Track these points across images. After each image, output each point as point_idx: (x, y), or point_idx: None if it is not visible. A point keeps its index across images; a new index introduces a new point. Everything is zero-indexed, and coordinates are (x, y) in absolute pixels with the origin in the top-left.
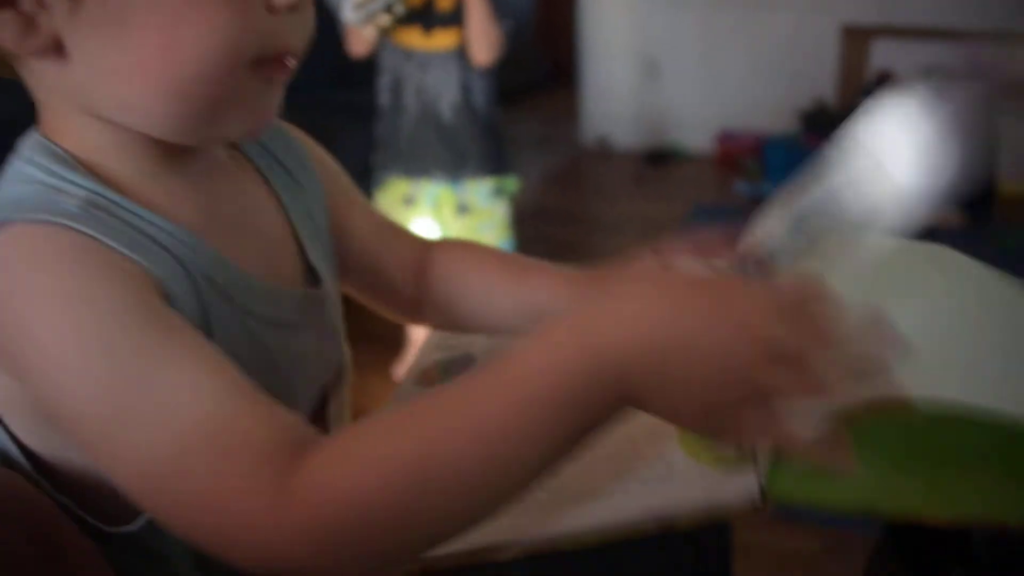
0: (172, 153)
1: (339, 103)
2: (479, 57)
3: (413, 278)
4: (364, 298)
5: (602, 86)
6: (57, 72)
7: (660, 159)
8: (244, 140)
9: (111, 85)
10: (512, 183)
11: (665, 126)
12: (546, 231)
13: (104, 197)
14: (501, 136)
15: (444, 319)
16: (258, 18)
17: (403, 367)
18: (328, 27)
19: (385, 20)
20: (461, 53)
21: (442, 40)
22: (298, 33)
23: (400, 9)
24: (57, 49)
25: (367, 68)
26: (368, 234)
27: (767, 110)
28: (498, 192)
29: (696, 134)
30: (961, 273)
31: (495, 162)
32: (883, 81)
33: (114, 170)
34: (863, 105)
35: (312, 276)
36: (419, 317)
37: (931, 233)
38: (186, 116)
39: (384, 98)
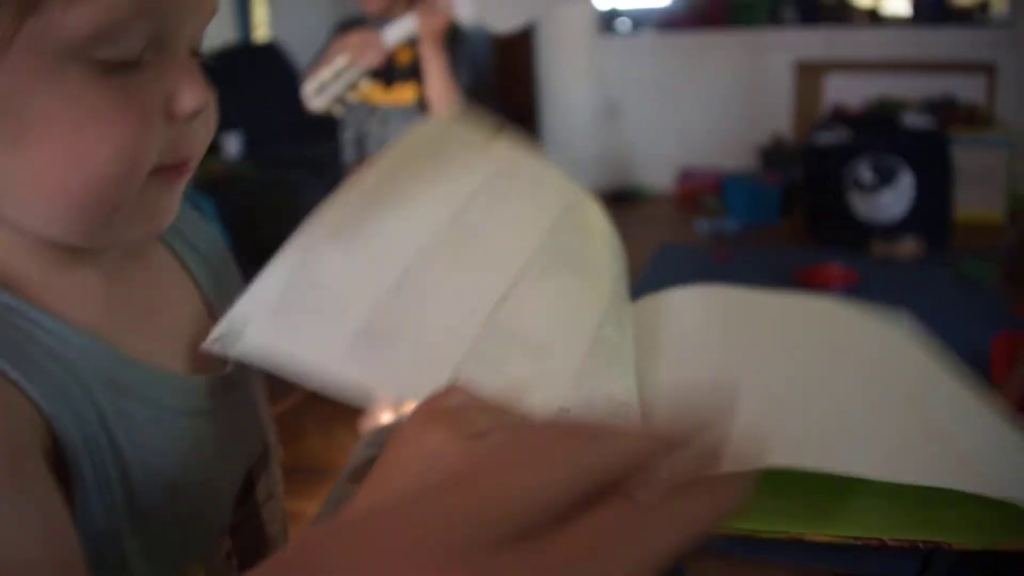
0: (76, 251)
1: (302, 158)
2: (438, 111)
3: None
4: None
5: (563, 129)
6: None
7: (623, 199)
8: (144, 240)
9: (8, 190)
10: None
11: (626, 167)
12: None
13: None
14: None
15: None
16: (159, 129)
17: (369, 420)
18: (290, 83)
19: (350, 97)
20: (422, 106)
21: (402, 94)
22: (200, 138)
23: (364, 82)
24: None
25: (330, 123)
26: None
27: (726, 147)
28: None
29: (657, 174)
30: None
31: None
32: (837, 114)
33: (12, 268)
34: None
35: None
36: None
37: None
38: (84, 224)
39: (348, 153)
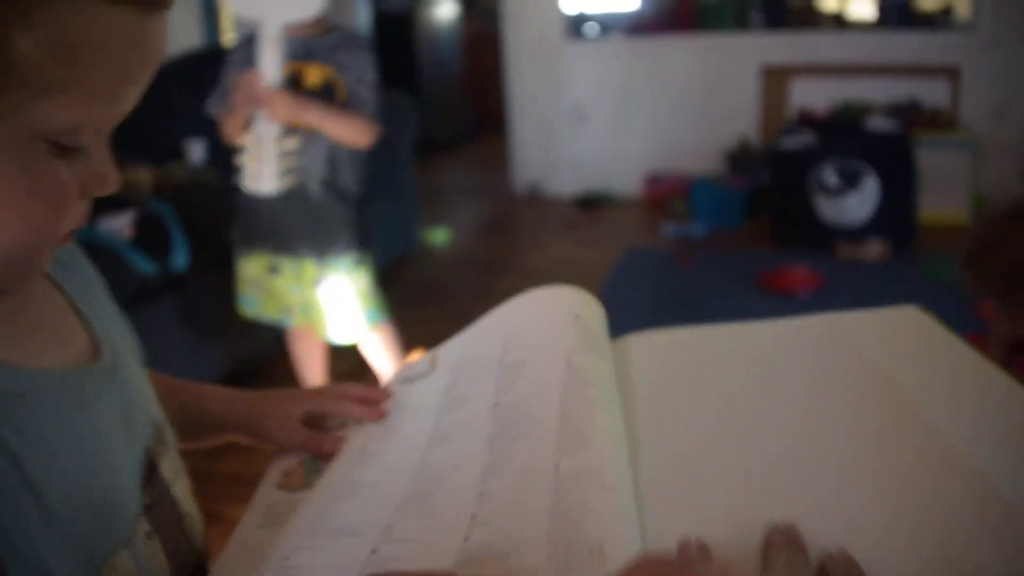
0: None
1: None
2: (352, 145)
3: None
4: None
5: (531, 134)
6: None
7: (590, 204)
8: (17, 290)
9: None
10: (360, 254)
11: (594, 172)
12: (481, 279)
13: None
14: (364, 212)
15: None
16: (72, 206)
17: (279, 461)
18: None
19: (291, 161)
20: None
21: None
22: (86, 212)
23: (290, 144)
24: None
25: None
26: None
27: (693, 152)
28: (357, 265)
29: (624, 178)
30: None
31: (359, 238)
32: (803, 118)
33: None
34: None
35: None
36: None
37: (856, 264)
38: None
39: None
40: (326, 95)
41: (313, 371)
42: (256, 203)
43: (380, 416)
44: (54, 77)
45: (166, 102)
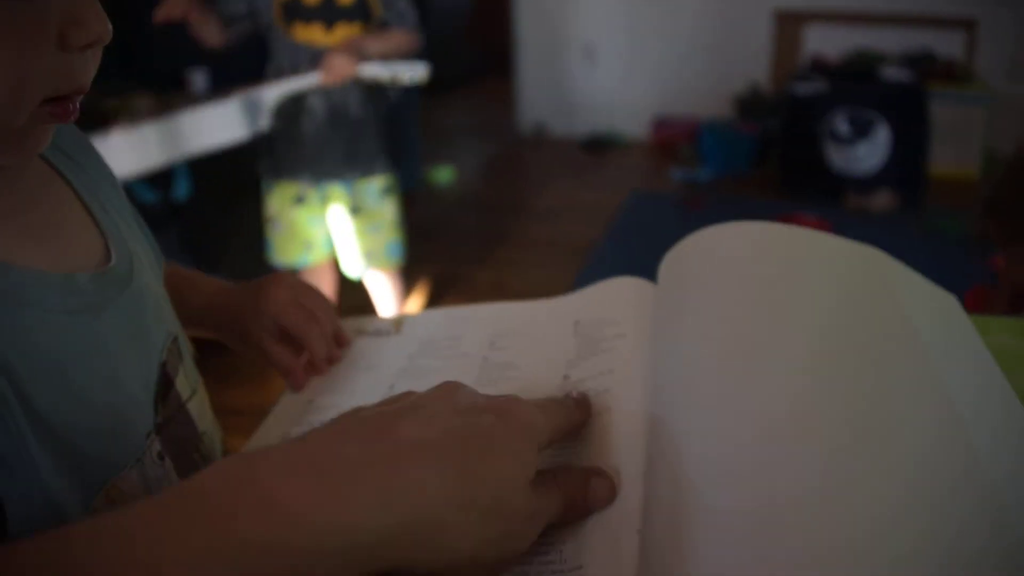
0: None
1: None
2: (400, 59)
3: None
4: None
5: (538, 74)
6: None
7: (596, 146)
8: (14, 165)
9: None
10: (391, 180)
11: (601, 113)
12: (484, 219)
13: None
14: (395, 134)
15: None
16: (49, 58)
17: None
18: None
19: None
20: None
21: (344, 35)
22: (89, 70)
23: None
24: None
25: (254, 65)
26: None
27: (702, 96)
28: (386, 192)
29: (632, 121)
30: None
31: (387, 159)
32: (816, 65)
33: None
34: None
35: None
36: None
37: (864, 215)
38: None
39: (281, 101)
40: (360, 11)
41: None
42: (295, 128)
43: (324, 373)
44: None
45: (167, 30)
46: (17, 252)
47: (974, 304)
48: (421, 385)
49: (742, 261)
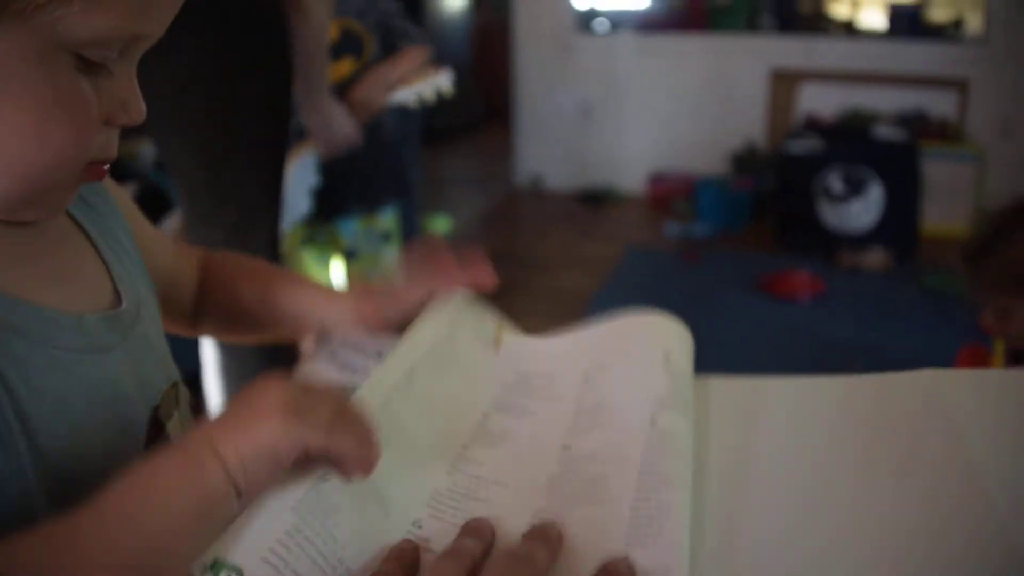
0: None
1: None
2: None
3: (195, 289)
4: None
5: (537, 127)
6: None
7: (593, 200)
8: (41, 220)
9: None
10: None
11: (599, 168)
12: None
13: None
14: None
15: (218, 326)
16: (94, 129)
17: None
18: None
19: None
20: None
21: (339, 71)
22: (115, 147)
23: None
24: None
25: None
26: (163, 252)
27: (698, 152)
28: (386, 238)
29: (628, 175)
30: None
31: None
32: (810, 123)
33: None
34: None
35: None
36: (196, 326)
37: (857, 272)
38: (12, 196)
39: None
40: (349, 46)
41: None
42: (341, 164)
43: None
44: None
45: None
46: (32, 291)
47: (967, 363)
48: (515, 424)
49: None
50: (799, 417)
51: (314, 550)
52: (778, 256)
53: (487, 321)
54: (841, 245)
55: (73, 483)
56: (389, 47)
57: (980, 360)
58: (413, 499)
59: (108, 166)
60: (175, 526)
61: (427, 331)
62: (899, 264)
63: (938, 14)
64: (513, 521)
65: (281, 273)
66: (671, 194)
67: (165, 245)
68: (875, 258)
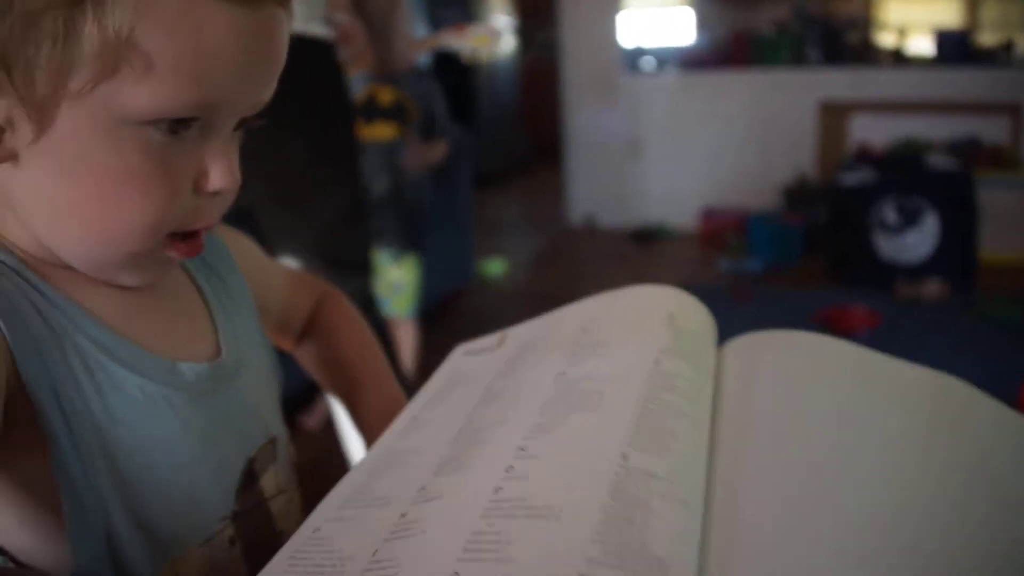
0: None
1: None
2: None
3: (306, 318)
4: (271, 335)
5: (587, 167)
6: (7, 174)
7: (646, 237)
8: (140, 285)
9: (44, 210)
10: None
11: (650, 205)
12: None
13: (11, 268)
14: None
15: (314, 360)
16: (185, 198)
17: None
18: None
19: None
20: (399, 143)
21: (381, 131)
22: (216, 210)
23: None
24: (13, 157)
25: None
26: (283, 286)
27: (749, 187)
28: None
29: (680, 212)
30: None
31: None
32: (862, 154)
33: (35, 258)
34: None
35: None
36: (297, 350)
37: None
38: (96, 263)
39: None
40: (397, 113)
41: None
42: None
43: None
44: (131, 61)
45: None
46: (132, 330)
47: None
48: (516, 379)
49: (820, 376)
50: (828, 379)
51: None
52: (833, 290)
53: (483, 342)
54: (897, 277)
55: (156, 522)
56: (425, 129)
57: None
58: (408, 488)
59: (203, 236)
60: None
61: (433, 382)
62: (957, 294)
63: (986, 38)
64: (504, 436)
65: (365, 341)
66: (723, 229)
67: (285, 279)
68: (932, 289)
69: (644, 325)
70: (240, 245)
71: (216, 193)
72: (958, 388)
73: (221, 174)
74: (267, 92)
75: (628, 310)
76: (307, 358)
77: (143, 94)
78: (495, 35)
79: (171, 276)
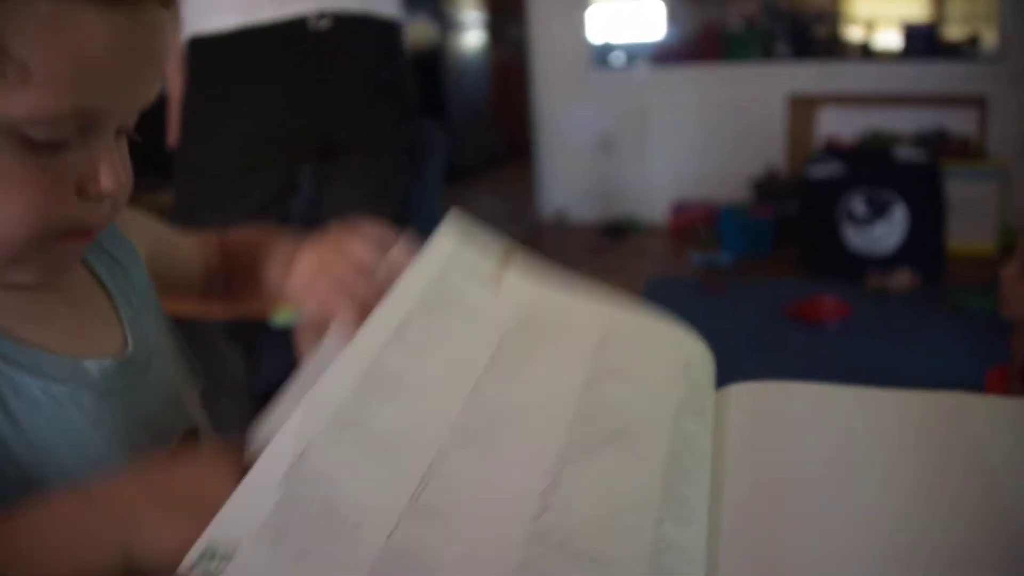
0: None
1: None
2: None
3: (209, 267)
4: (173, 300)
5: (557, 161)
6: None
7: (617, 231)
8: (36, 285)
9: None
10: None
11: (620, 199)
12: None
13: None
14: None
15: (231, 298)
16: (70, 203)
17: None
18: None
19: None
20: None
21: None
22: (106, 213)
23: None
24: None
25: None
26: (191, 246)
27: (719, 180)
28: None
29: (651, 206)
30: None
31: None
32: (830, 147)
33: None
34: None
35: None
36: (207, 305)
37: (885, 294)
38: None
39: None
40: None
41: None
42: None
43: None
44: (4, 71)
45: None
46: (32, 333)
47: (997, 384)
48: (537, 365)
49: (816, 426)
50: (821, 424)
51: (312, 516)
52: (803, 282)
53: (487, 254)
54: (867, 268)
55: None
56: None
57: (1010, 380)
58: (422, 449)
59: (91, 235)
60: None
61: (420, 274)
62: (926, 285)
63: (953, 32)
64: (532, 442)
65: (276, 243)
66: (694, 223)
67: (188, 241)
68: (902, 280)
69: (662, 372)
70: (138, 225)
71: (104, 196)
72: (945, 395)
73: (107, 177)
74: (149, 94)
75: (645, 348)
76: (219, 289)
77: (20, 103)
78: None
79: (72, 273)
